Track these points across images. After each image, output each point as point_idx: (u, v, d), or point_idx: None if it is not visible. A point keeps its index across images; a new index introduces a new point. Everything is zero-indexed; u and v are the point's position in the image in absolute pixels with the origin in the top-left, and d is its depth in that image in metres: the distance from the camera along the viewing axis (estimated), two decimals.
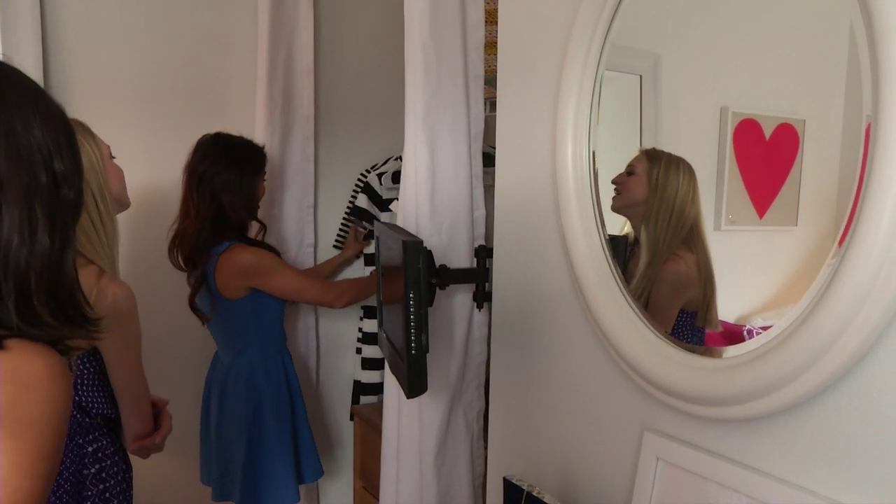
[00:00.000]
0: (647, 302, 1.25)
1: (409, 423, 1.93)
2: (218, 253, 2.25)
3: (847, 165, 0.95)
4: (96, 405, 1.68)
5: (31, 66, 2.39)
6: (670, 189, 1.21)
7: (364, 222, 2.87)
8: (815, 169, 1.02)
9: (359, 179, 2.96)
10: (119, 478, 1.74)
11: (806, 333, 0.94)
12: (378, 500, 2.13)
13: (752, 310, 1.11)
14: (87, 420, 1.70)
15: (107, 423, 1.74)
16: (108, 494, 1.71)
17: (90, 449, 1.69)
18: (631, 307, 1.29)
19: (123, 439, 1.77)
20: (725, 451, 1.13)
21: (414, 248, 1.47)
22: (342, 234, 2.98)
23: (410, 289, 1.45)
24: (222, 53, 2.76)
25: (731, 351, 1.11)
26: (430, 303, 1.67)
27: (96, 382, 1.68)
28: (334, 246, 2.98)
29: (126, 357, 1.66)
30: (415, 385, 1.50)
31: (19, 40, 2.38)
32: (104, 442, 1.72)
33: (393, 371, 1.74)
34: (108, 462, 1.72)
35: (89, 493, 1.68)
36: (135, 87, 2.63)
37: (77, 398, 1.66)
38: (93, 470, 1.69)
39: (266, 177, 2.44)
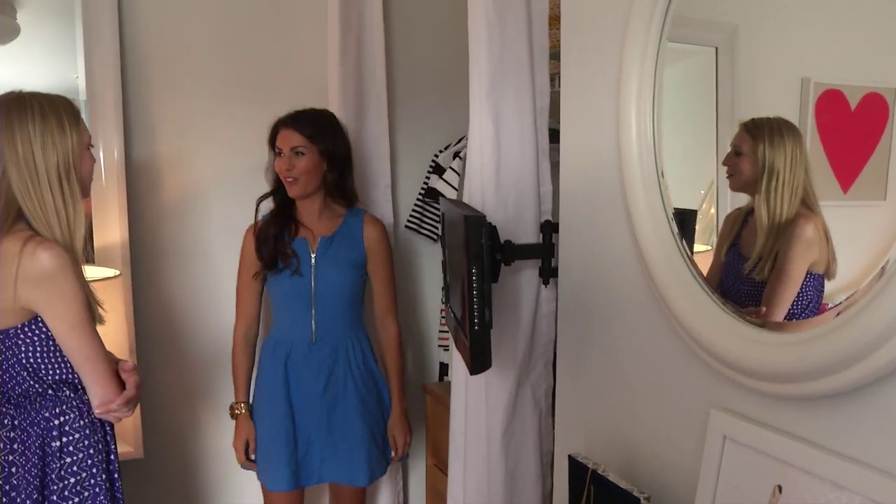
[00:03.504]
0: (772, 267, 1.20)
1: (476, 401, 1.93)
2: None
3: None
4: (51, 371, 1.70)
5: (108, 51, 2.48)
6: (779, 161, 1.16)
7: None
8: None
9: (432, 160, 2.96)
10: (90, 451, 1.75)
11: (882, 306, 0.89)
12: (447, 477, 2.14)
13: (836, 288, 1.06)
14: (49, 393, 1.72)
15: (77, 397, 1.75)
16: (75, 468, 1.73)
17: (56, 423, 1.71)
18: (698, 282, 1.25)
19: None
20: (796, 430, 1.08)
21: (476, 223, 1.45)
22: (415, 214, 2.99)
23: (472, 264, 1.44)
24: (293, 32, 2.79)
25: (802, 326, 1.06)
26: (495, 279, 1.65)
27: (45, 348, 1.69)
28: (406, 226, 2.98)
29: (69, 318, 1.65)
30: (478, 361, 1.49)
31: (98, 25, 2.47)
32: (71, 415, 1.73)
33: (458, 348, 1.74)
34: (77, 436, 1.73)
35: (54, 465, 1.70)
36: (206, 71, 2.69)
37: (30, 367, 1.68)
38: (57, 444, 1.71)
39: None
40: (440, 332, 2.97)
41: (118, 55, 2.49)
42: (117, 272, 2.41)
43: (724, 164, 1.25)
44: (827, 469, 1.01)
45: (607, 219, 1.51)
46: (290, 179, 2.30)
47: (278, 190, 2.39)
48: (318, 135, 2.32)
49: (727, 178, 1.27)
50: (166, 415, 2.73)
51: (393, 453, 2.46)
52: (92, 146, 1.80)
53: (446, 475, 2.14)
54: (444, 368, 2.96)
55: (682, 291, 1.27)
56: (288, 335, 2.39)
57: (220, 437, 2.73)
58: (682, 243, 1.30)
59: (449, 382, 2.75)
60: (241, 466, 2.47)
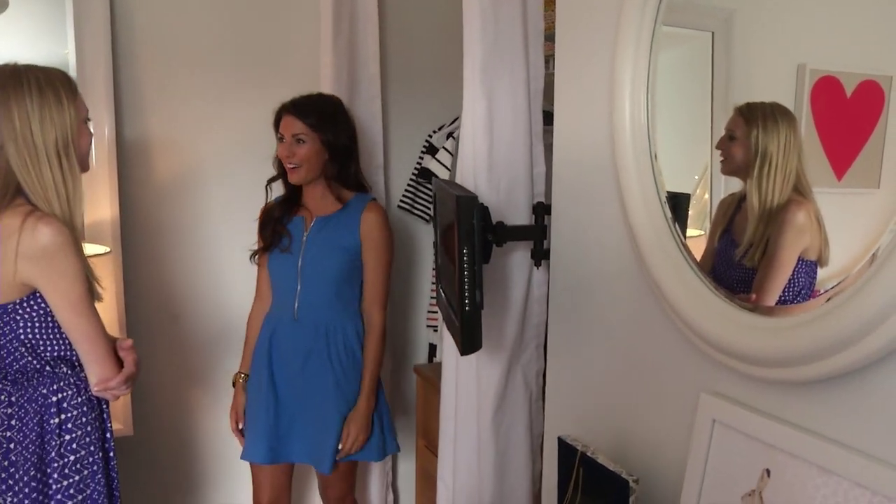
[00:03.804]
0: (763, 253, 1.19)
1: (466, 383, 1.93)
2: None
3: None
4: (49, 347, 1.70)
5: (98, 26, 2.45)
6: (772, 146, 1.15)
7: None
8: None
9: (425, 141, 2.94)
10: (88, 429, 1.74)
11: (872, 292, 0.89)
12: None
13: (829, 274, 1.06)
14: (47, 369, 1.71)
15: (75, 374, 1.74)
16: (74, 445, 1.72)
17: (54, 399, 1.71)
18: (690, 266, 1.25)
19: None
20: (785, 415, 1.09)
21: (468, 203, 1.45)
22: (408, 194, 2.98)
23: (464, 245, 1.44)
24: (286, 12, 2.77)
25: (794, 311, 1.06)
26: (486, 260, 1.65)
27: (44, 324, 1.68)
28: (399, 206, 2.97)
29: (69, 295, 1.65)
30: (468, 342, 1.49)
31: (88, 6, 2.43)
32: (69, 392, 1.73)
33: (449, 328, 1.74)
34: (75, 413, 1.73)
35: (54, 443, 1.70)
36: (197, 49, 2.67)
37: (28, 342, 1.68)
38: (55, 421, 1.70)
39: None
40: (429, 312, 2.96)
41: (109, 30, 2.47)
42: (108, 249, 2.40)
43: (718, 147, 1.25)
44: (815, 454, 1.01)
45: (600, 201, 1.51)
46: (291, 166, 2.28)
47: (283, 174, 2.36)
48: (321, 124, 2.27)
49: (720, 162, 1.27)
50: (156, 393, 2.73)
51: (339, 445, 2.31)
52: (89, 119, 1.78)
53: (436, 457, 2.15)
54: (432, 349, 2.96)
55: (674, 275, 1.26)
56: (276, 311, 2.40)
57: (210, 415, 2.74)
58: (674, 227, 1.29)
59: (439, 364, 2.75)
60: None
